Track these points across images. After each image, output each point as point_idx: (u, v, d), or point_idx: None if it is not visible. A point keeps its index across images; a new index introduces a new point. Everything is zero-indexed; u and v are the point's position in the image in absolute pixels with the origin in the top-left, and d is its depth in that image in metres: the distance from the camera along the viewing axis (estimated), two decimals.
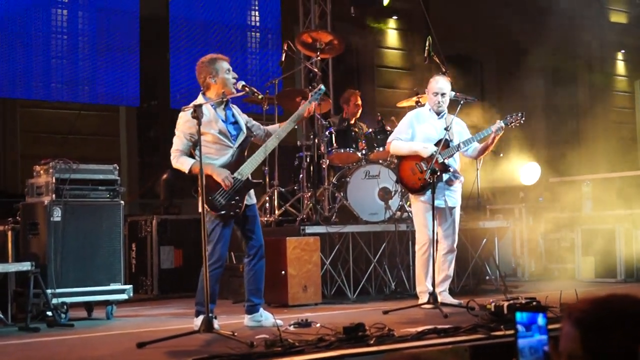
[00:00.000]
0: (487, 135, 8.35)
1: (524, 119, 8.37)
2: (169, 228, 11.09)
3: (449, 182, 8.44)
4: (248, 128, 7.34)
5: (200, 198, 6.75)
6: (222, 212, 6.92)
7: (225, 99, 7.12)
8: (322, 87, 7.75)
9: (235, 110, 7.35)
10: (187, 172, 6.94)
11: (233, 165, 7.06)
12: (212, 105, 7.09)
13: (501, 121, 8.31)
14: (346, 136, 10.27)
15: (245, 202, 7.06)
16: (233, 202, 6.98)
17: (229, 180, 6.92)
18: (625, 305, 2.21)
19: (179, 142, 7.00)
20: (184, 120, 6.92)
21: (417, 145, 8.46)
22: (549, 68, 19.93)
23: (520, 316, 2.40)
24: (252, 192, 7.28)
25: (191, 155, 7.02)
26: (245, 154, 7.21)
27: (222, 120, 7.11)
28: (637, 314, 2.18)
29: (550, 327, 2.48)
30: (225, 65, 7.19)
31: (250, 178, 7.16)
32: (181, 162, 6.96)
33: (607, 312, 2.19)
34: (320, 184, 10.20)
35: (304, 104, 7.52)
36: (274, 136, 7.35)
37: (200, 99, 7.10)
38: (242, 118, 7.35)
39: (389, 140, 8.77)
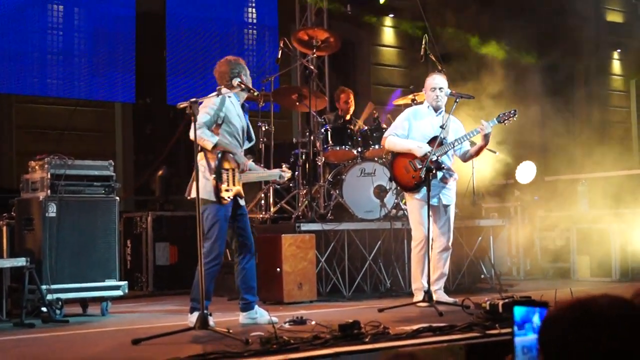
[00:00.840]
0: (478, 135, 8.34)
1: (516, 116, 8.37)
2: (165, 224, 11.08)
3: (444, 180, 8.44)
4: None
5: (209, 183, 6.81)
6: (220, 186, 6.91)
7: (219, 94, 7.11)
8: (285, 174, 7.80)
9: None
10: (210, 148, 6.90)
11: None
12: (237, 100, 7.20)
13: (493, 120, 8.31)
14: (342, 133, 10.26)
15: (232, 195, 7.07)
16: (229, 185, 7.00)
17: (245, 167, 7.09)
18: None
19: (205, 116, 6.93)
20: (215, 101, 6.97)
21: (411, 143, 8.45)
22: (545, 67, 19.93)
23: (517, 312, 2.39)
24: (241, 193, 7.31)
25: None
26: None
27: (244, 119, 7.25)
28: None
29: None
30: (245, 68, 7.38)
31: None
32: (207, 135, 6.91)
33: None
34: (315, 181, 10.20)
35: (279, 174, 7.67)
36: (256, 174, 7.57)
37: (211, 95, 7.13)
38: None
39: (385, 136, 8.76)
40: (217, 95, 6.90)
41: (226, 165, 6.96)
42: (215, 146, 6.90)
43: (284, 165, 7.83)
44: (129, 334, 6.39)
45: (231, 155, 7.01)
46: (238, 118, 7.15)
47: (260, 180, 7.63)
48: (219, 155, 6.89)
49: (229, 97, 7.07)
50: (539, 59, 18.67)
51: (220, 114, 6.98)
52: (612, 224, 11.07)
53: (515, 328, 2.38)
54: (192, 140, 6.70)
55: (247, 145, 7.35)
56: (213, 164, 6.88)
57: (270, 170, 7.75)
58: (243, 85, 7.23)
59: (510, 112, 8.37)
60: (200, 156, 6.89)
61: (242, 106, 7.34)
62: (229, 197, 7.00)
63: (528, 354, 2.35)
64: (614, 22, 21.63)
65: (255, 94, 7.80)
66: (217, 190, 6.91)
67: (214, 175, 6.89)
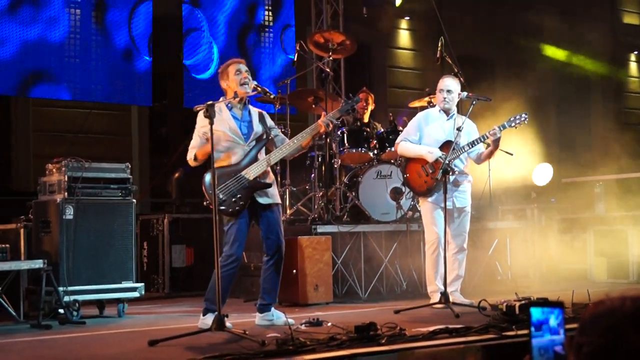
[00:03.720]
0: (489, 139, 8.32)
1: (526, 120, 8.35)
2: (181, 226, 11.10)
3: (456, 183, 8.43)
4: (266, 132, 7.33)
5: (210, 202, 6.81)
6: (222, 207, 6.92)
7: (237, 98, 7.13)
8: (357, 98, 7.87)
9: (255, 112, 7.38)
10: (192, 158, 7.03)
11: (244, 165, 7.08)
12: (227, 106, 7.16)
13: (504, 123, 8.29)
14: (358, 136, 10.27)
15: (247, 200, 7.05)
16: (234, 199, 6.98)
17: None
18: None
19: (194, 141, 7.10)
20: (199, 119, 6.99)
21: (423, 149, 8.45)
22: (561, 69, 19.88)
23: (534, 313, 2.39)
24: (272, 191, 7.27)
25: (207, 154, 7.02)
26: (260, 156, 7.22)
27: (236, 119, 7.18)
28: None
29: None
30: (235, 67, 7.26)
31: (258, 178, 7.14)
32: (189, 155, 7.08)
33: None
34: (332, 184, 10.20)
35: (328, 115, 7.50)
36: (283, 146, 7.36)
37: (222, 98, 7.18)
38: (267, 122, 7.37)
39: (397, 141, 8.77)
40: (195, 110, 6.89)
41: (217, 181, 6.89)
42: (196, 157, 7.01)
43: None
44: (145, 336, 6.40)
45: (218, 168, 6.92)
46: (222, 121, 7.07)
47: (294, 147, 7.37)
48: (208, 176, 6.88)
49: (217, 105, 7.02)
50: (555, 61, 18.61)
51: (205, 129, 6.92)
52: (629, 225, 11.02)
53: (532, 329, 2.38)
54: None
55: (254, 136, 7.20)
56: (203, 187, 6.94)
57: (302, 132, 7.41)
58: (259, 89, 7.26)
59: (520, 116, 8.35)
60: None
61: (246, 102, 7.31)
62: (239, 208, 7.00)
63: (545, 355, 2.35)
64: (630, 24, 21.56)
65: (272, 96, 7.79)
66: (222, 212, 6.94)
67: (205, 203, 6.96)
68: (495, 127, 8.24)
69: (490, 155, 8.54)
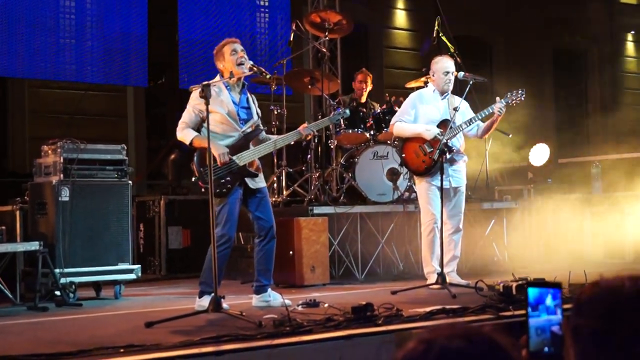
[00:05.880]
0: (489, 115, 8.33)
1: (524, 96, 8.34)
2: (177, 208, 11.09)
3: (452, 162, 8.43)
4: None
5: (198, 178, 6.86)
6: (208, 186, 6.92)
7: (233, 79, 7.11)
8: (347, 111, 7.96)
9: (252, 98, 7.38)
10: (188, 143, 7.03)
11: (235, 149, 7.08)
12: (226, 87, 7.13)
13: (502, 100, 8.29)
14: (354, 116, 10.25)
15: (235, 186, 7.06)
16: (223, 181, 6.99)
17: (224, 158, 6.95)
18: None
19: (187, 115, 7.09)
20: (195, 96, 6.92)
21: (419, 127, 8.44)
22: (558, 49, 19.86)
23: (530, 294, 2.38)
24: (260, 175, 7.30)
25: (198, 131, 7.05)
26: (252, 143, 7.23)
27: (235, 103, 7.16)
28: None
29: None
30: (230, 47, 7.23)
31: (247, 166, 7.16)
32: (184, 134, 7.04)
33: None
34: (328, 165, 10.19)
35: (308, 127, 7.58)
36: (276, 140, 7.42)
37: (217, 78, 7.16)
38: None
39: (392, 122, 8.75)
40: (192, 90, 6.88)
41: (207, 161, 6.88)
42: (191, 142, 6.98)
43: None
44: (142, 317, 6.40)
45: (210, 148, 6.92)
46: (221, 104, 7.07)
47: (277, 147, 7.55)
48: (199, 154, 6.92)
49: (214, 86, 7.01)
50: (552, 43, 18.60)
51: (201, 108, 6.90)
52: (625, 205, 11.02)
53: (529, 309, 2.37)
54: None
55: (249, 124, 7.28)
56: (192, 166, 6.95)
57: (285, 135, 7.63)
58: (255, 69, 7.24)
59: (518, 92, 8.34)
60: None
61: (243, 85, 7.31)
62: (225, 190, 7.00)
63: (542, 335, 2.34)
64: (627, 4, 21.52)
65: (268, 77, 7.76)
66: (201, 180, 6.95)
67: (193, 179, 6.99)
68: (499, 100, 8.22)
69: (491, 126, 8.50)
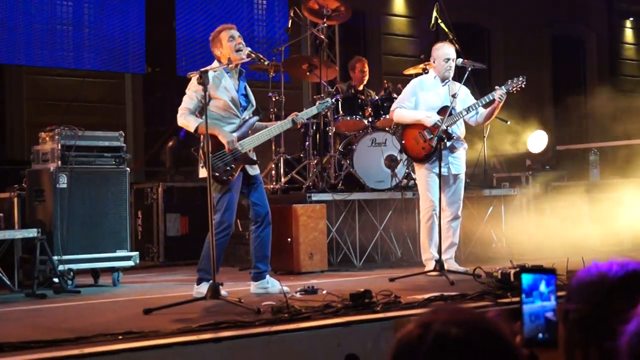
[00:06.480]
0: (490, 101, 8.33)
1: (524, 83, 8.34)
2: (175, 195, 11.07)
3: (453, 149, 8.43)
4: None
5: (206, 164, 6.78)
6: (216, 174, 6.91)
7: (231, 65, 7.09)
8: (329, 100, 8.02)
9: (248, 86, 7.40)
10: (192, 130, 6.96)
11: (237, 137, 7.08)
12: (226, 73, 7.11)
13: (502, 87, 8.29)
14: (352, 103, 10.23)
15: (238, 172, 7.06)
16: (228, 168, 7.00)
17: (232, 145, 6.95)
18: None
19: (189, 101, 7.01)
20: (195, 83, 6.88)
21: (420, 114, 8.44)
22: (556, 36, 19.83)
23: (524, 280, 2.38)
24: (252, 161, 7.30)
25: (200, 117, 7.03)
26: (251, 131, 7.23)
27: (235, 90, 7.14)
28: None
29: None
30: (228, 33, 7.20)
31: (248, 153, 7.17)
32: (188, 120, 6.97)
33: None
34: (326, 152, 10.18)
35: (301, 113, 7.61)
36: (270, 128, 7.44)
37: (214, 64, 7.13)
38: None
39: (392, 108, 8.75)
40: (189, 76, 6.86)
41: (215, 148, 6.90)
42: (197, 130, 6.90)
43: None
44: (140, 304, 6.41)
45: (216, 136, 6.95)
46: (225, 90, 7.08)
47: (272, 135, 7.57)
48: (203, 141, 6.87)
49: (215, 72, 7.00)
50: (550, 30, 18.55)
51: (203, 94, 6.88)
52: (623, 192, 11.02)
53: (523, 296, 2.37)
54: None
55: (247, 111, 7.28)
56: (200, 151, 6.89)
57: (279, 122, 7.65)
58: (253, 55, 7.24)
59: (518, 79, 8.34)
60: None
61: (240, 72, 7.29)
62: (231, 177, 6.99)
63: (535, 321, 2.35)
64: None
65: (266, 63, 7.77)
66: (215, 178, 6.91)
67: (201, 165, 6.94)
68: (500, 87, 8.22)
69: (490, 116, 8.51)
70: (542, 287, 2.35)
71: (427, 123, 8.34)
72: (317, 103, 7.99)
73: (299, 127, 7.70)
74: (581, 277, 2.29)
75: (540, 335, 2.33)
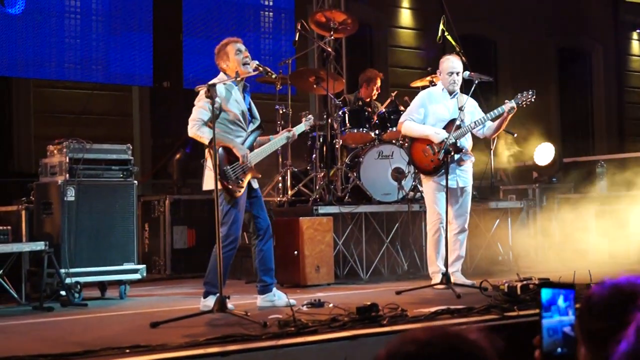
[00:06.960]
0: (499, 115, 8.35)
1: (534, 97, 8.36)
2: (182, 208, 11.09)
3: (460, 162, 8.44)
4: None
5: (214, 175, 6.79)
6: (229, 186, 6.93)
7: (238, 79, 7.12)
8: (311, 117, 8.12)
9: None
10: (207, 142, 6.89)
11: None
12: (235, 85, 7.12)
13: (512, 101, 8.32)
14: (360, 116, 10.24)
15: (245, 185, 7.08)
16: (239, 181, 7.01)
17: (247, 159, 6.99)
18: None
19: (202, 112, 6.93)
20: (205, 96, 6.87)
21: (429, 129, 8.45)
22: (563, 48, 19.84)
23: (543, 294, 2.39)
24: (256, 175, 7.34)
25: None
26: (255, 144, 7.27)
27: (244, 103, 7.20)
28: None
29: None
30: (234, 47, 7.22)
31: (253, 167, 7.23)
32: (202, 132, 6.90)
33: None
34: (333, 164, 10.19)
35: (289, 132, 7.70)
36: (271, 142, 7.53)
37: (220, 77, 7.14)
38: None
39: (400, 120, 8.76)
40: (197, 90, 6.88)
41: (228, 160, 6.93)
42: (211, 141, 6.88)
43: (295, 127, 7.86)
44: (147, 317, 6.42)
45: (231, 149, 6.98)
46: (236, 103, 7.11)
47: (271, 151, 7.60)
48: (220, 152, 6.87)
49: (225, 84, 7.02)
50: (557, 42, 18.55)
51: (215, 105, 6.90)
52: (630, 205, 11.00)
53: (542, 310, 2.38)
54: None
55: (252, 126, 7.30)
56: (212, 161, 6.85)
57: (276, 138, 7.66)
58: (261, 68, 7.26)
59: (528, 93, 8.36)
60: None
61: (245, 87, 7.32)
62: (240, 189, 7.01)
63: (554, 336, 2.36)
64: (632, 2, 21.47)
65: (273, 76, 7.80)
66: (226, 189, 6.92)
67: (218, 177, 6.93)
68: (509, 101, 8.26)
69: (498, 128, 8.53)
70: (560, 302, 2.36)
71: (435, 140, 8.35)
72: (303, 120, 8.00)
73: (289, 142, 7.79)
74: (603, 293, 2.29)
75: (559, 349, 2.34)
